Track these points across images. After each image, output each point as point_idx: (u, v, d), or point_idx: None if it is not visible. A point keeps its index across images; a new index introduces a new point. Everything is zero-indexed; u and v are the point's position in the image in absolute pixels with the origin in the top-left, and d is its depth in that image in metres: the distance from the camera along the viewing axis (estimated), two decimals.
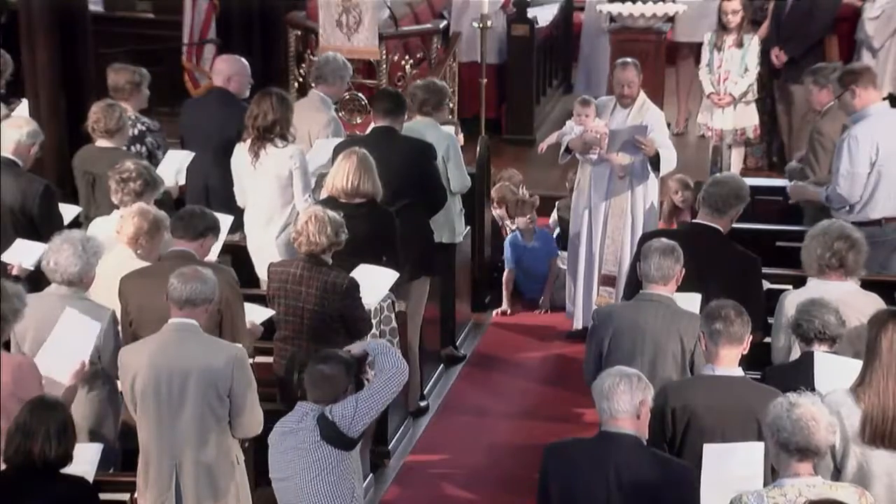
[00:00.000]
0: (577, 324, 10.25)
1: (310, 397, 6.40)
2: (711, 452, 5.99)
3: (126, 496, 6.79)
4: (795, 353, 6.97)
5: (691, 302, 6.97)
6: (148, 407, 6.68)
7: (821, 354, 6.57)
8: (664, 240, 7.02)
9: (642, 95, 9.83)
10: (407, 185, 8.81)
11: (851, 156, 8.64)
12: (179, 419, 6.65)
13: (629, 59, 9.86)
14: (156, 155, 9.45)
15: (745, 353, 6.33)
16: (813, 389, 5.98)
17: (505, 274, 11.05)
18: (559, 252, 11.12)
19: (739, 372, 6.30)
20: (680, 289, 6.98)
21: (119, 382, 6.94)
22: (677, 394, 6.18)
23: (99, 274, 7.28)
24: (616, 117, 9.81)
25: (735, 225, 7.89)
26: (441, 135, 9.46)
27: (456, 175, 9.46)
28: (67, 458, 5.96)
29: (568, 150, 9.97)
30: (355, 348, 6.69)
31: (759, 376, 6.70)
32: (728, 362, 6.27)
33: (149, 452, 6.74)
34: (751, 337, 6.33)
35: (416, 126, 9.40)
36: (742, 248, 7.61)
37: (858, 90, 8.72)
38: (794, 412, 5.39)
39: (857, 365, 6.17)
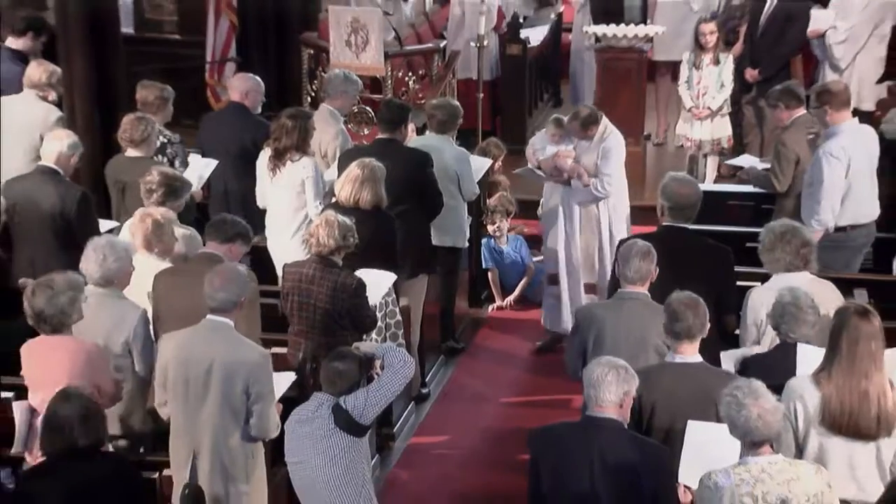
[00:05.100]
0: (545, 323, 10.40)
1: (325, 391, 6.60)
2: (695, 429, 6.08)
3: (155, 474, 7.01)
4: (765, 344, 7.14)
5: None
6: (177, 394, 6.83)
7: (804, 346, 6.66)
8: (640, 242, 7.10)
9: (604, 122, 9.82)
10: (406, 192, 9.01)
11: (826, 171, 8.89)
12: (203, 408, 6.76)
13: (577, 113, 9.89)
14: (174, 165, 9.53)
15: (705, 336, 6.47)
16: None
17: (489, 274, 11.17)
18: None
19: (698, 358, 6.41)
20: (662, 288, 6.93)
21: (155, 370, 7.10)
22: (643, 381, 6.15)
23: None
24: (581, 141, 9.91)
25: (708, 227, 8.22)
26: (456, 150, 9.81)
27: (466, 185, 9.73)
28: (100, 442, 6.03)
29: (538, 168, 10.10)
30: (365, 347, 6.90)
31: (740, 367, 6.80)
32: (690, 352, 6.40)
33: (176, 435, 6.91)
34: (709, 325, 6.44)
35: (434, 142, 9.68)
36: (714, 242, 7.74)
37: (831, 110, 8.99)
38: (742, 413, 5.51)
39: None
